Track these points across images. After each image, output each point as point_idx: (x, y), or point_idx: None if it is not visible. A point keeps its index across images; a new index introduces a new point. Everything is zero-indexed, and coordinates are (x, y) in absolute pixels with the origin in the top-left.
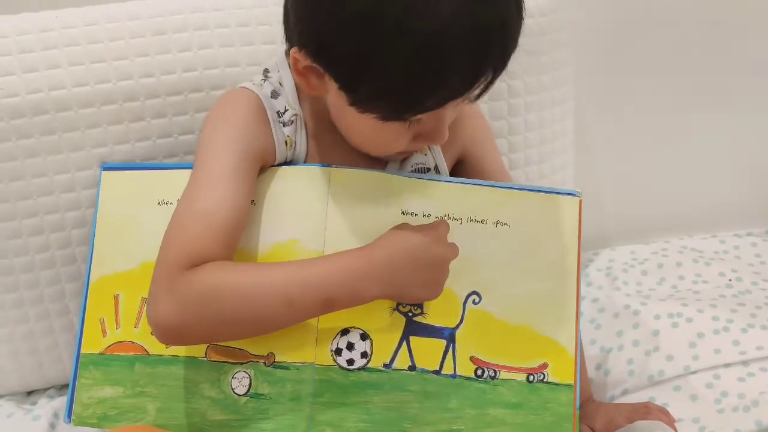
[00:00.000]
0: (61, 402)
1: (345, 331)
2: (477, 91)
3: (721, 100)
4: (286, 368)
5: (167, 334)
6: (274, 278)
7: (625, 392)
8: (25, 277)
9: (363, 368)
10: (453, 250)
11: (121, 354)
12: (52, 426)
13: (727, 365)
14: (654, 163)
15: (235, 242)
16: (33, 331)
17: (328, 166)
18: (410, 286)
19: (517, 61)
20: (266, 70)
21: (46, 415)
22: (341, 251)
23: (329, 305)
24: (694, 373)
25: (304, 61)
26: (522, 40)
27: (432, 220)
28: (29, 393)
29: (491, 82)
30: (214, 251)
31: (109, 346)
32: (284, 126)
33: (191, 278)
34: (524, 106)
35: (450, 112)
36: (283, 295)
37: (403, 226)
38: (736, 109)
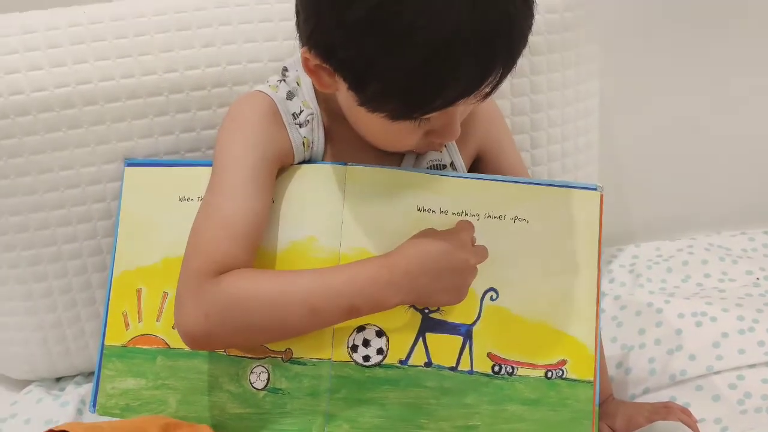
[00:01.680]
0: (88, 389)
1: (361, 328)
2: (486, 90)
3: (750, 94)
4: (303, 364)
5: (194, 340)
6: (298, 287)
7: (646, 391)
8: (54, 266)
9: (379, 364)
10: (478, 254)
11: (144, 347)
12: (80, 412)
13: (751, 366)
14: (681, 158)
15: (256, 246)
16: (61, 320)
17: (345, 164)
18: (432, 293)
19: (540, 58)
20: (285, 69)
21: (74, 401)
22: (364, 259)
23: (352, 312)
24: (717, 373)
25: (314, 61)
26: (546, 36)
27: (449, 216)
28: (58, 379)
29: (500, 81)
30: (237, 257)
31: (131, 339)
32: (300, 127)
33: (216, 287)
34: (547, 102)
35: (461, 108)
36: (307, 303)
37: (425, 233)
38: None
